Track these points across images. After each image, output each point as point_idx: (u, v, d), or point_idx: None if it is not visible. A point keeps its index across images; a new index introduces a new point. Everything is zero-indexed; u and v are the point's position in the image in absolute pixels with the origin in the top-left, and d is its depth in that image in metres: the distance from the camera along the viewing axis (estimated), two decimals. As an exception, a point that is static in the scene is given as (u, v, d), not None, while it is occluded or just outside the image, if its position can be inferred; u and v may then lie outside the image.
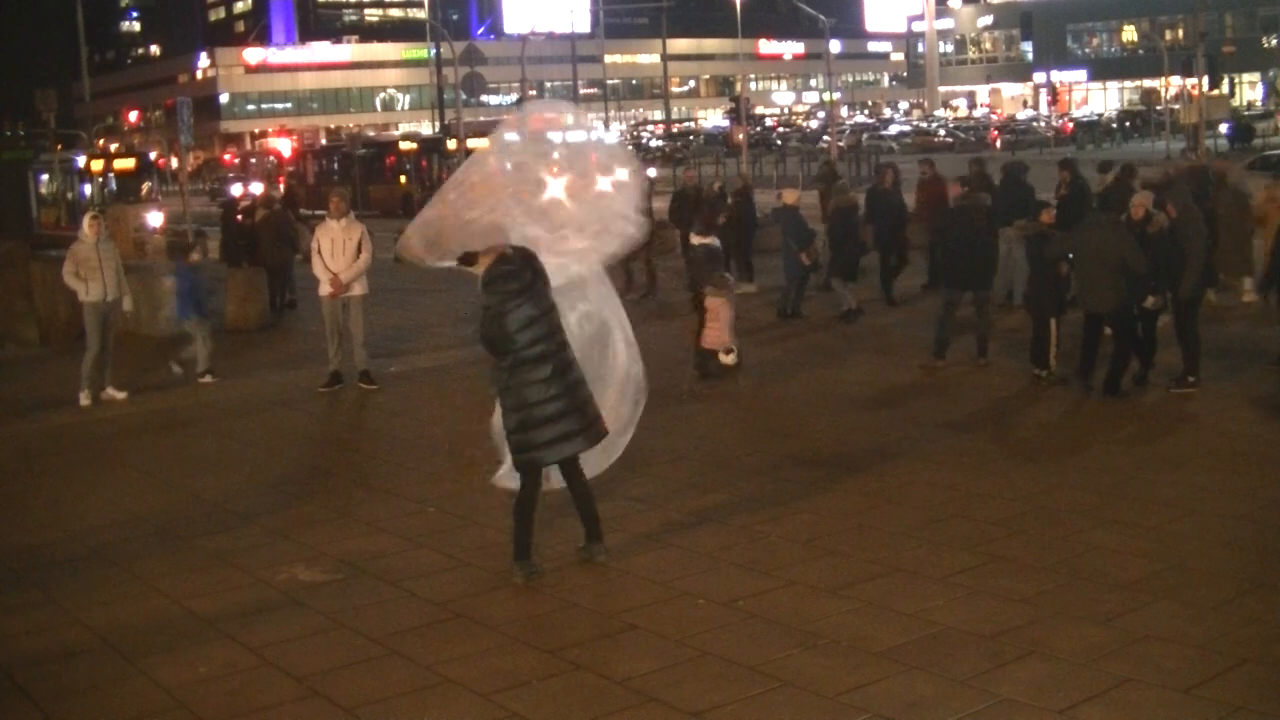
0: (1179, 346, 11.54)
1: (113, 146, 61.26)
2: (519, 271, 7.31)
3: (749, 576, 7.47)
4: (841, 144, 54.81)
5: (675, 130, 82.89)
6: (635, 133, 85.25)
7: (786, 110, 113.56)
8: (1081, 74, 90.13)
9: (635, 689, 6.04)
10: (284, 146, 62.58)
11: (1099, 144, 59.12)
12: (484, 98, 37.20)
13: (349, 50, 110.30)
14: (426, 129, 72.64)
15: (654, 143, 71.95)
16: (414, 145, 46.09)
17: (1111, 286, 11.13)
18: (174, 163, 60.60)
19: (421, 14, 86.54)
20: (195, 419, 12.61)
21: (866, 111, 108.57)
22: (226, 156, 78.43)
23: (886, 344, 14.68)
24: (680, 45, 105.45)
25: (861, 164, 48.03)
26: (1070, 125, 64.69)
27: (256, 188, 44.06)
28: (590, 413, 7.48)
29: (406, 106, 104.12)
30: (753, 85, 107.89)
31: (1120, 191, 15.02)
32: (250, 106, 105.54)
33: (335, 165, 48.15)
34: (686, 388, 12.57)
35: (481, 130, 45.72)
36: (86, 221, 13.49)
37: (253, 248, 18.96)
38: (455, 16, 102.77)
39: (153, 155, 43.25)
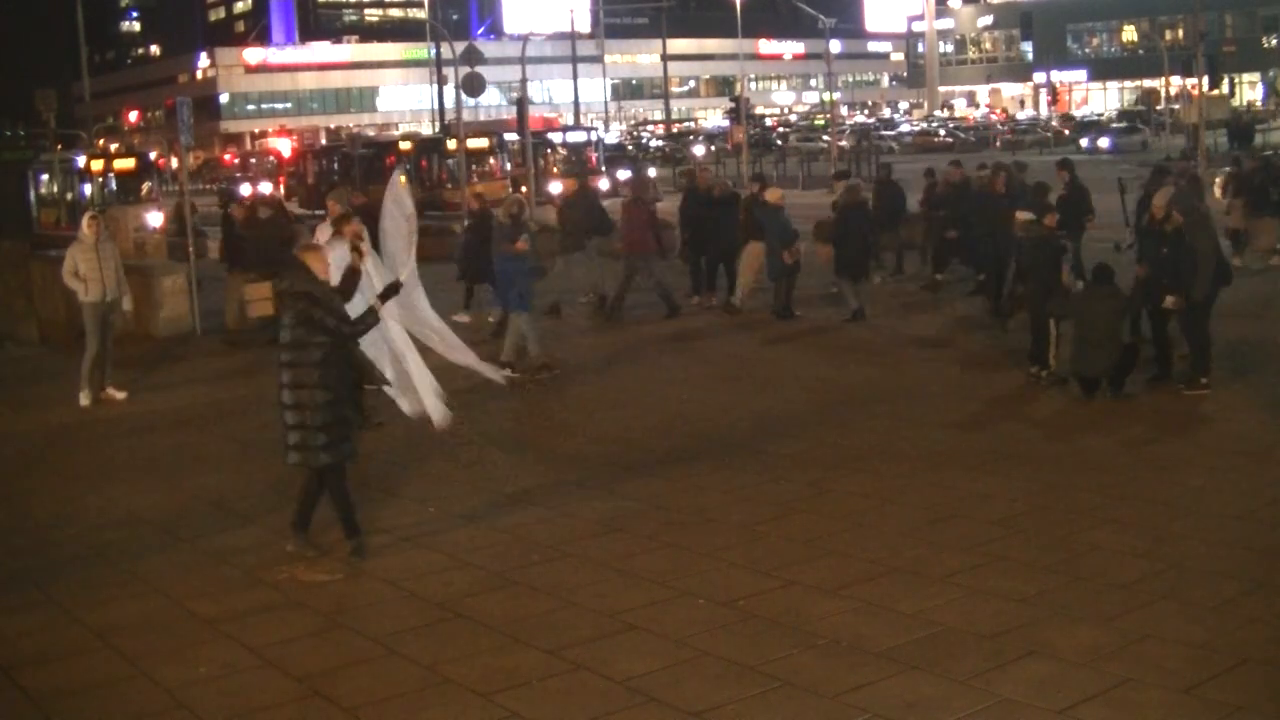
0: (1188, 348, 11.54)
1: (113, 146, 61.16)
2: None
3: (749, 576, 7.47)
4: (843, 143, 54.81)
5: (675, 130, 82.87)
6: (635, 133, 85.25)
7: (786, 110, 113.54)
8: (1081, 74, 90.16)
9: (635, 689, 6.04)
10: (284, 147, 62.60)
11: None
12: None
13: (349, 50, 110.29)
14: (426, 129, 72.68)
15: (654, 143, 71.94)
16: (413, 145, 46.11)
17: (1107, 354, 11.24)
18: (174, 163, 60.64)
19: (421, 14, 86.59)
20: (195, 419, 12.60)
21: (866, 111, 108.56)
22: (226, 157, 78.43)
23: (885, 344, 14.67)
24: (680, 45, 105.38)
25: (862, 164, 48.02)
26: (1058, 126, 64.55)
27: (265, 188, 44.09)
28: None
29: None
30: (753, 85, 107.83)
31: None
32: (250, 106, 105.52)
33: (335, 165, 48.15)
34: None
35: (482, 130, 45.81)
36: (85, 221, 13.47)
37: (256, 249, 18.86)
38: (455, 16, 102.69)
39: (153, 155, 43.20)
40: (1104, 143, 55.29)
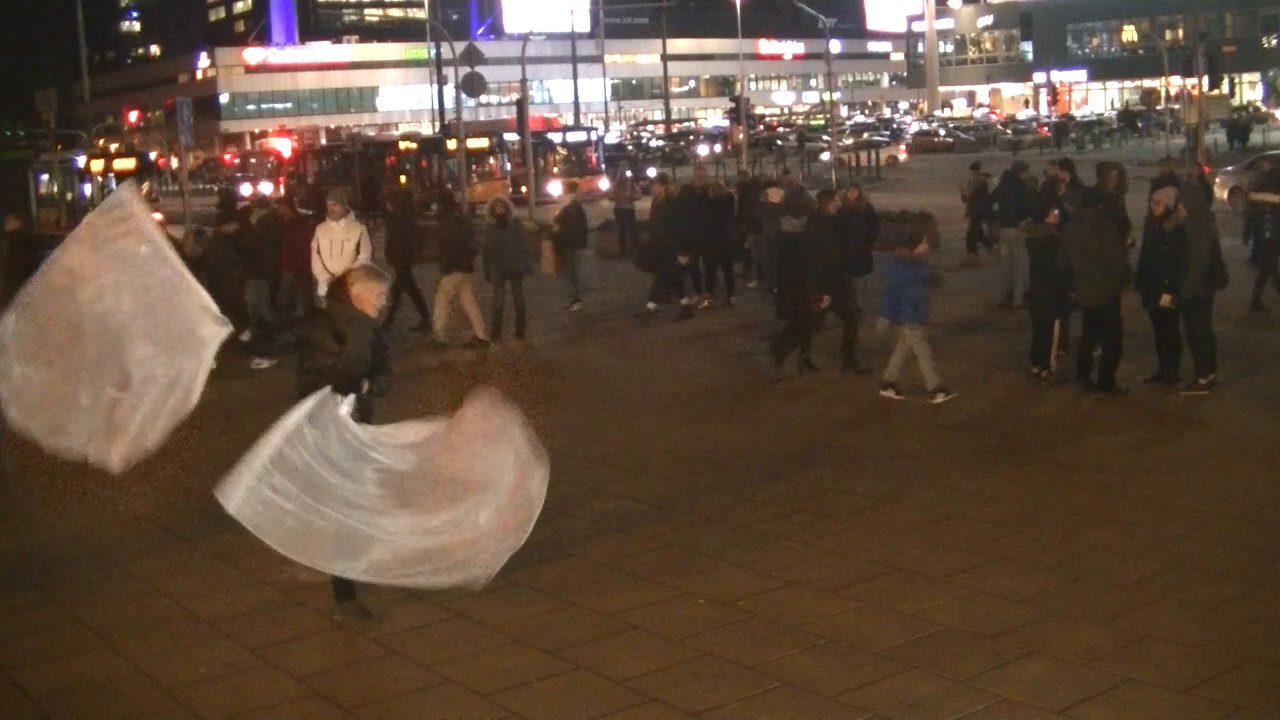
0: (1190, 348, 11.53)
1: (113, 147, 61.18)
2: None
3: (749, 576, 7.47)
4: (845, 143, 54.83)
5: (675, 130, 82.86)
6: (635, 133, 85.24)
7: (786, 110, 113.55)
8: (1081, 74, 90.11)
9: (635, 689, 6.04)
10: (284, 146, 62.58)
11: (1099, 144, 59.11)
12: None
13: (349, 50, 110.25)
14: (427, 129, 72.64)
15: (654, 143, 71.94)
16: (414, 145, 46.12)
17: (1103, 279, 11.26)
18: (174, 163, 60.61)
19: (421, 14, 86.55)
20: (195, 419, 12.56)
21: (866, 111, 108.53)
22: (226, 157, 78.42)
23: (886, 343, 14.65)
24: (680, 45, 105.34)
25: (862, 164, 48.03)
26: (1045, 129, 64.11)
27: (266, 188, 44.03)
28: None
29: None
30: (753, 85, 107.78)
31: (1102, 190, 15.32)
32: (250, 106, 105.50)
33: (335, 165, 48.16)
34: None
35: (482, 130, 45.80)
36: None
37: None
38: (455, 16, 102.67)
39: (153, 155, 43.24)
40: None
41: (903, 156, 55.36)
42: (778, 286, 13.58)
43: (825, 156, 47.63)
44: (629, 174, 36.81)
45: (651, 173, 41.28)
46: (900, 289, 11.77)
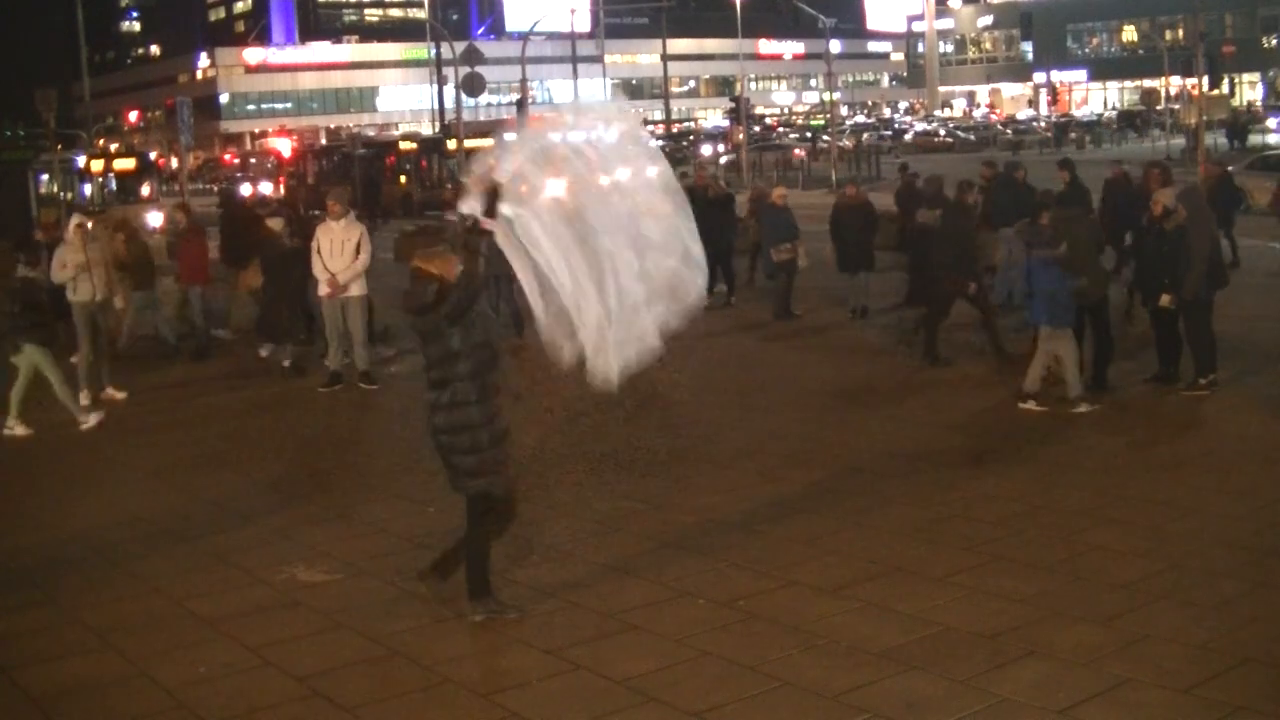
0: (1189, 348, 11.54)
1: (113, 147, 61.16)
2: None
3: (749, 576, 7.47)
4: (844, 143, 54.85)
5: (675, 130, 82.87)
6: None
7: (786, 110, 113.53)
8: (1081, 74, 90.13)
9: (635, 689, 6.04)
10: (284, 146, 62.56)
11: (1099, 144, 59.15)
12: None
13: (349, 50, 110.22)
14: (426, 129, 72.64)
15: (653, 143, 71.89)
16: (414, 145, 46.09)
17: (1094, 280, 11.33)
18: (174, 163, 60.61)
19: (421, 14, 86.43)
20: (195, 419, 12.60)
21: (866, 111, 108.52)
22: (226, 157, 78.43)
23: (885, 343, 14.67)
24: (680, 45, 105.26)
25: (862, 164, 48.06)
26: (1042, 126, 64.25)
27: (266, 188, 44.00)
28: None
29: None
30: (753, 85, 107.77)
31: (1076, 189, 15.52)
32: (250, 106, 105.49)
33: (335, 165, 48.11)
34: None
35: (482, 130, 45.76)
36: (72, 229, 13.46)
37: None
38: (455, 16, 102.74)
39: (153, 155, 43.23)
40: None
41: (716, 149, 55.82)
42: (911, 275, 14.04)
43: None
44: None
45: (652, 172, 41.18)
46: (1049, 291, 11.09)
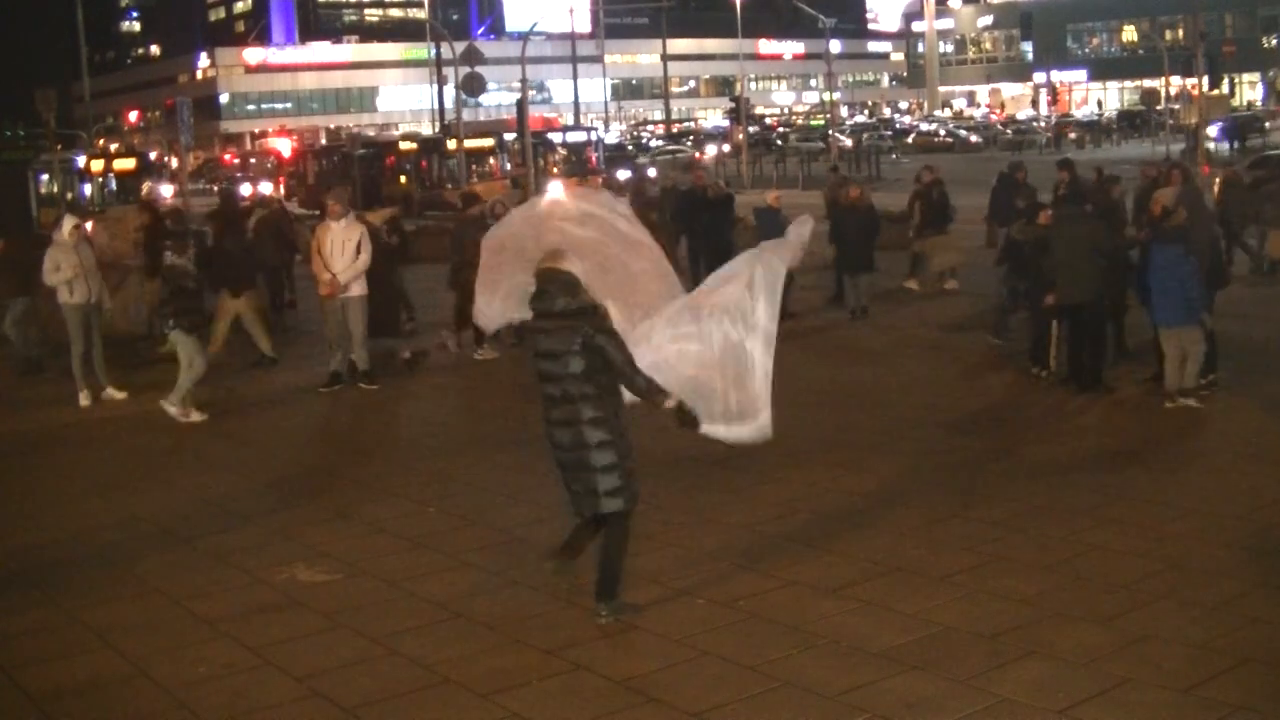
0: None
1: (113, 147, 61.19)
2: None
3: (749, 576, 7.47)
4: (845, 142, 54.89)
5: (675, 130, 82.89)
6: (635, 133, 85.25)
7: (786, 110, 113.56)
8: (1081, 74, 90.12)
9: (635, 689, 6.04)
10: (284, 147, 62.58)
11: (1099, 144, 59.16)
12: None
13: (349, 50, 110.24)
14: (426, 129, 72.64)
15: (654, 143, 71.98)
16: (414, 145, 46.10)
17: (1088, 275, 11.29)
18: (174, 163, 60.61)
19: (421, 14, 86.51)
20: (196, 420, 12.59)
21: (866, 111, 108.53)
22: (226, 157, 78.43)
23: (886, 343, 14.67)
24: (680, 45, 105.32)
25: (862, 164, 48.11)
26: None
27: (266, 188, 43.99)
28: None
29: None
30: (753, 85, 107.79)
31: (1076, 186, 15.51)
32: (250, 106, 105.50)
33: (335, 165, 48.11)
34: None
35: (482, 130, 45.79)
36: (67, 229, 13.43)
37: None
38: (455, 16, 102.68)
39: (153, 155, 43.27)
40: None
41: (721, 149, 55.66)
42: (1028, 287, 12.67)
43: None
44: (651, 172, 36.83)
45: (652, 173, 41.30)
46: (1177, 288, 10.56)
